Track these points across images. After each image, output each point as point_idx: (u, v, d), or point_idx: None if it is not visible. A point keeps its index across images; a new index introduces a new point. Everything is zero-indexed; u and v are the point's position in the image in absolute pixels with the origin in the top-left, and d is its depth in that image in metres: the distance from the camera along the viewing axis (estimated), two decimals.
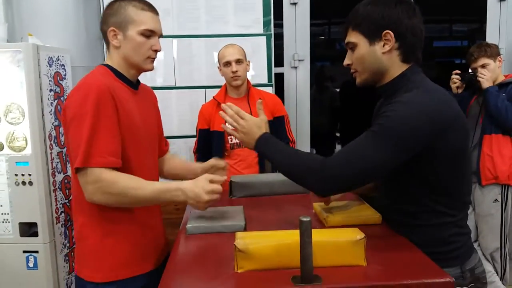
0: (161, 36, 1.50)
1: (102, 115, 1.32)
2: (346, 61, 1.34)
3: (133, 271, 1.44)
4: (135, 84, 1.52)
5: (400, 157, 1.15)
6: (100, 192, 1.29)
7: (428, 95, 1.20)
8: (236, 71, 2.40)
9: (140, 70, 1.49)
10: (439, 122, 1.16)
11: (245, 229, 1.35)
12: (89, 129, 1.29)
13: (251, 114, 2.19)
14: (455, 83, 2.59)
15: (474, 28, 3.76)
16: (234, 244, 1.05)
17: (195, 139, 2.53)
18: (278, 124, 2.46)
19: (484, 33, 3.03)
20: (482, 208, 2.62)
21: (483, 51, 2.54)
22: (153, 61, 1.48)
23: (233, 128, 1.34)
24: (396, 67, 1.27)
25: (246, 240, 1.06)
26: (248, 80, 2.53)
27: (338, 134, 4.02)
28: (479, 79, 2.50)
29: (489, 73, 2.50)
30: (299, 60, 2.95)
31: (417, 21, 1.25)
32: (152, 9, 1.46)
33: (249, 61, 2.51)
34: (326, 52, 3.97)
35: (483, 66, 2.53)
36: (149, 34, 1.44)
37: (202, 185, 1.34)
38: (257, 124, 1.33)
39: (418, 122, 1.14)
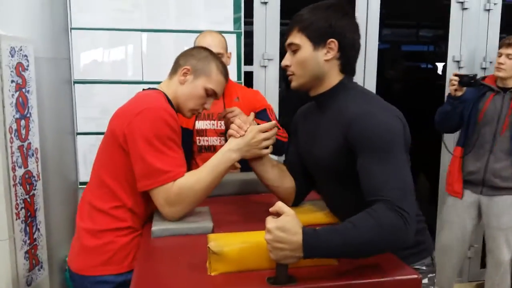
0: (216, 98, 1.62)
1: (172, 138, 1.40)
2: (285, 62, 1.33)
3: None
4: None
5: (407, 161, 1.18)
6: (174, 206, 1.38)
7: (377, 99, 1.28)
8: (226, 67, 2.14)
9: (180, 111, 1.59)
10: (401, 118, 1.23)
11: (213, 231, 1.35)
12: (159, 152, 1.37)
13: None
14: (454, 85, 2.51)
15: (439, 34, 3.89)
16: (208, 247, 1.05)
17: None
18: (261, 119, 2.21)
19: (448, 40, 3.13)
20: (503, 220, 2.58)
21: None
22: (194, 114, 1.61)
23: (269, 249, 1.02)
24: (334, 75, 1.30)
25: (220, 242, 1.07)
26: None
27: None
28: (496, 71, 2.44)
29: (509, 65, 2.46)
30: (268, 59, 2.96)
31: (358, 36, 1.31)
32: (226, 77, 1.61)
33: (230, 53, 2.27)
34: None
35: (508, 57, 2.46)
36: (210, 93, 1.57)
37: (252, 135, 1.43)
38: (288, 227, 0.99)
39: (397, 124, 1.18)
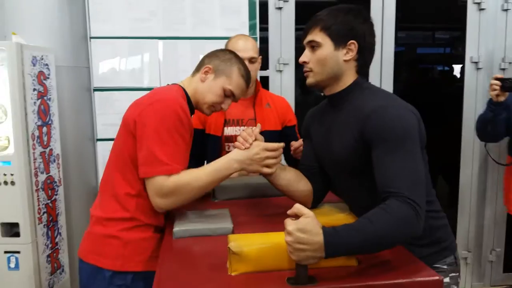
0: (235, 100, 1.64)
1: (180, 132, 1.42)
2: (303, 59, 1.36)
3: (149, 266, 1.49)
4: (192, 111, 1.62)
5: (421, 154, 1.20)
6: (165, 198, 1.39)
7: (392, 96, 1.32)
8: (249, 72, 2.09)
9: (198, 108, 1.62)
10: (417, 114, 1.26)
11: (233, 232, 1.36)
12: (163, 143, 1.39)
13: (255, 120, 2.15)
14: (495, 90, 2.34)
15: (455, 36, 3.85)
16: (228, 247, 1.06)
17: None
18: (288, 134, 2.16)
19: (465, 41, 3.11)
20: None
21: None
22: (212, 112, 1.63)
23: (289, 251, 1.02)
24: (350, 75, 1.35)
25: (240, 242, 1.07)
26: (257, 80, 2.22)
27: None
28: None
29: None
30: (284, 64, 2.97)
31: (374, 40, 1.37)
32: (247, 81, 1.62)
33: (260, 57, 2.20)
34: None
35: None
36: (228, 94, 1.58)
37: (256, 151, 1.42)
38: (308, 229, 1.00)
39: (412, 119, 1.22)
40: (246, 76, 1.61)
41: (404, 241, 1.13)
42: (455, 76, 3.74)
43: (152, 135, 1.39)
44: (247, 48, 2.09)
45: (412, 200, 1.08)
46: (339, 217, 1.42)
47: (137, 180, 1.47)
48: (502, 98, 2.35)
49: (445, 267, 1.37)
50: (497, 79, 2.34)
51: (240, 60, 1.61)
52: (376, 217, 1.06)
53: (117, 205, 1.49)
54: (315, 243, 0.99)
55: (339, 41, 1.31)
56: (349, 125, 1.29)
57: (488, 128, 2.50)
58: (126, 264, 1.48)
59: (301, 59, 1.37)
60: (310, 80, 1.37)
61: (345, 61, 1.32)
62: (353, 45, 1.31)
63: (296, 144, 1.88)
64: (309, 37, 1.34)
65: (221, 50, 1.66)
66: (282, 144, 1.45)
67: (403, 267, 1.08)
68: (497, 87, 2.32)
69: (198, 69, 1.63)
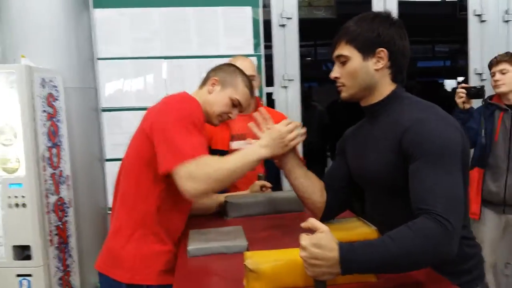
0: (241, 111, 1.72)
1: (197, 127, 1.45)
2: (334, 74, 1.31)
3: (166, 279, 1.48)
4: None
5: (461, 174, 1.13)
6: (197, 182, 1.35)
7: (434, 108, 1.23)
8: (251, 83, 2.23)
9: (207, 119, 1.66)
10: (460, 129, 1.20)
11: (247, 249, 1.35)
12: (185, 134, 1.41)
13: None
14: (461, 97, 2.46)
15: (456, 48, 3.88)
16: (245, 264, 1.06)
17: None
18: None
19: (466, 53, 3.13)
20: None
21: (506, 56, 2.47)
22: (221, 122, 1.70)
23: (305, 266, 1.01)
24: (386, 85, 1.28)
25: (256, 259, 1.07)
26: (257, 97, 2.38)
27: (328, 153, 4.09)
28: (495, 88, 2.44)
29: (506, 80, 2.43)
30: (289, 80, 3.00)
31: (407, 43, 1.28)
32: (251, 91, 1.73)
33: (259, 75, 2.35)
34: (313, 73, 4.01)
35: (502, 72, 2.45)
36: (236, 103, 1.66)
37: (279, 129, 1.42)
38: (323, 244, 0.99)
39: (455, 134, 1.15)
40: (250, 86, 1.70)
41: (432, 263, 1.04)
42: (447, 89, 3.75)
43: (171, 128, 1.41)
44: (247, 67, 2.20)
45: (444, 218, 1.00)
46: (361, 232, 1.37)
47: (152, 194, 1.49)
48: (468, 106, 2.50)
49: None
50: (462, 87, 2.50)
51: (242, 72, 1.70)
52: (399, 234, 1.00)
53: (131, 219, 1.52)
54: (330, 259, 0.97)
55: (367, 51, 1.24)
56: (386, 139, 1.22)
57: None
58: (137, 277, 1.48)
59: (332, 74, 1.32)
60: (343, 94, 1.32)
61: (376, 70, 1.25)
62: (383, 52, 1.24)
63: None
64: (337, 52, 1.29)
65: (225, 64, 1.76)
66: (296, 123, 1.47)
67: (423, 283, 1.07)
68: (463, 95, 2.48)
69: (204, 82, 1.70)
